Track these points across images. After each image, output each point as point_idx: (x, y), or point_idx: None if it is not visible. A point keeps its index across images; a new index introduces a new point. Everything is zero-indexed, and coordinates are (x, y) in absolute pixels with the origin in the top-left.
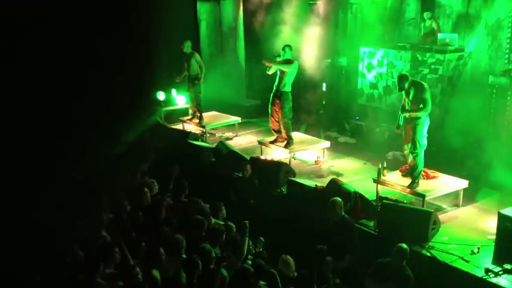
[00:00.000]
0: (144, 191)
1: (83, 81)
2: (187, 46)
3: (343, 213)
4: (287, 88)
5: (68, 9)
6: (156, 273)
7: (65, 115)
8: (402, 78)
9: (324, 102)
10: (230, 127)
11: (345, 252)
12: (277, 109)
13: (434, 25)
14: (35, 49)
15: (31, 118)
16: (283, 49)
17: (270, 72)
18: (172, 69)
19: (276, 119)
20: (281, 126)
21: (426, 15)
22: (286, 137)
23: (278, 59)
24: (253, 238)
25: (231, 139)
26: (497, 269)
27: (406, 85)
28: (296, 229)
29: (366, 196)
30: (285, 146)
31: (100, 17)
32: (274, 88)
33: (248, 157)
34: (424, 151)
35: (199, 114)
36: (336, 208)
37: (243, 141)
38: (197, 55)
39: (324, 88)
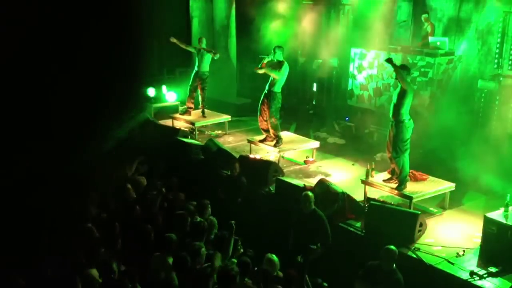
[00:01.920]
0: (127, 187)
1: (72, 78)
2: (204, 43)
3: (313, 207)
4: (277, 88)
5: (57, 5)
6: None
7: (54, 113)
8: (405, 68)
9: (314, 102)
10: (220, 125)
11: (314, 242)
12: (265, 109)
13: (428, 28)
14: (24, 45)
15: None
16: (273, 50)
17: (260, 71)
18: (163, 65)
19: (265, 119)
20: (269, 125)
21: (423, 17)
22: (274, 136)
23: (267, 58)
24: (238, 236)
25: (220, 137)
26: (482, 272)
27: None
28: (283, 228)
29: (354, 196)
30: (274, 145)
31: (90, 12)
32: (266, 88)
33: (237, 156)
34: (409, 154)
35: (191, 111)
36: (308, 201)
37: (232, 139)
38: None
39: (314, 88)
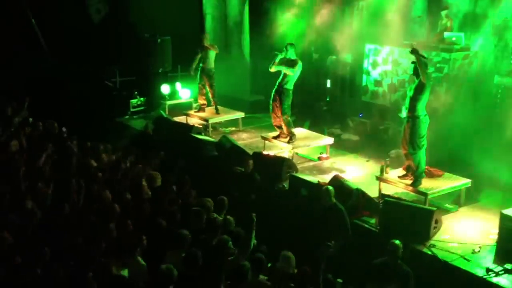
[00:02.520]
0: (142, 184)
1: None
2: (209, 39)
3: (334, 201)
4: (289, 86)
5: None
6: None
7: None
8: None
9: (328, 99)
10: (233, 122)
11: (334, 238)
12: (277, 106)
13: (448, 23)
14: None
15: None
16: (285, 47)
17: (273, 70)
18: (176, 62)
19: (278, 115)
20: (282, 122)
21: (443, 13)
22: (287, 133)
23: (280, 55)
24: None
25: (234, 133)
26: (498, 268)
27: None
28: (298, 225)
29: (368, 193)
30: (288, 142)
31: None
32: (277, 84)
33: (251, 152)
34: (426, 149)
35: (205, 107)
36: (328, 196)
37: (246, 136)
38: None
39: (328, 85)
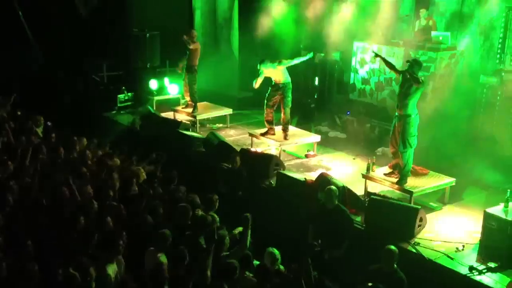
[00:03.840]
0: (131, 180)
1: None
2: (195, 35)
3: (337, 202)
4: (289, 79)
5: None
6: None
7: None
8: (417, 63)
9: (316, 96)
10: (221, 118)
11: (341, 240)
12: (279, 100)
13: (430, 22)
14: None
15: None
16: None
17: (257, 86)
18: (165, 57)
19: (273, 110)
20: (285, 117)
21: (422, 13)
22: (285, 129)
23: (263, 67)
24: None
25: (222, 130)
26: (481, 267)
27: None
28: (284, 222)
29: (355, 191)
30: (285, 138)
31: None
32: (274, 82)
33: (238, 149)
34: (414, 149)
35: (193, 104)
36: (333, 197)
37: (234, 132)
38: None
39: (316, 82)
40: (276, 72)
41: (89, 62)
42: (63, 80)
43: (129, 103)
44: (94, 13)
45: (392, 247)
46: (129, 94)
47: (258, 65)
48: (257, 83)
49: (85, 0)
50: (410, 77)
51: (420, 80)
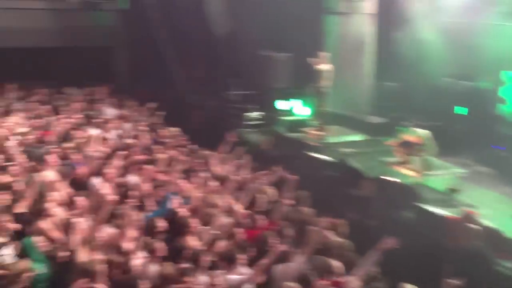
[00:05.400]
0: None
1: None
2: (326, 58)
3: (481, 243)
4: None
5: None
6: None
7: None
8: None
9: (460, 127)
10: (352, 143)
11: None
12: None
13: None
14: None
15: None
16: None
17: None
18: (297, 79)
19: None
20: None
21: None
22: None
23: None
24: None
25: (353, 155)
26: None
27: None
28: (420, 256)
29: (505, 233)
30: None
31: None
32: None
33: (371, 176)
34: None
35: (323, 126)
36: (476, 237)
37: (366, 159)
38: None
39: (460, 111)
40: None
41: (221, 81)
42: (196, 97)
43: (258, 122)
44: (228, 33)
45: None
46: (259, 113)
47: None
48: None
49: (219, 20)
50: None
51: None
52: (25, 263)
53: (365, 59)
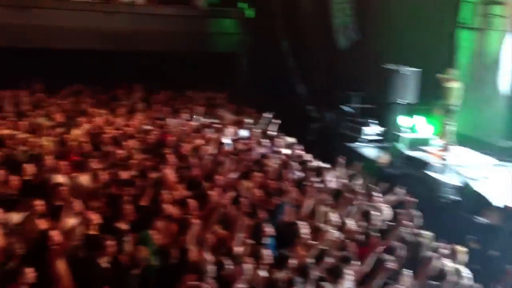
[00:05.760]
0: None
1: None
2: (457, 75)
3: None
4: None
5: None
6: None
7: None
8: None
9: None
10: (478, 166)
11: None
12: None
13: None
14: None
15: None
16: None
17: None
18: (422, 95)
19: None
20: None
21: None
22: None
23: None
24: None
25: (479, 180)
26: None
27: None
28: None
29: None
30: None
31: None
32: None
33: (497, 203)
34: None
35: (448, 146)
36: None
37: (494, 185)
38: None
39: None
40: None
41: (341, 93)
42: (315, 108)
43: (376, 137)
44: (352, 44)
45: None
46: (378, 128)
47: None
48: None
49: (345, 33)
50: None
51: None
52: (144, 251)
53: (499, 78)
